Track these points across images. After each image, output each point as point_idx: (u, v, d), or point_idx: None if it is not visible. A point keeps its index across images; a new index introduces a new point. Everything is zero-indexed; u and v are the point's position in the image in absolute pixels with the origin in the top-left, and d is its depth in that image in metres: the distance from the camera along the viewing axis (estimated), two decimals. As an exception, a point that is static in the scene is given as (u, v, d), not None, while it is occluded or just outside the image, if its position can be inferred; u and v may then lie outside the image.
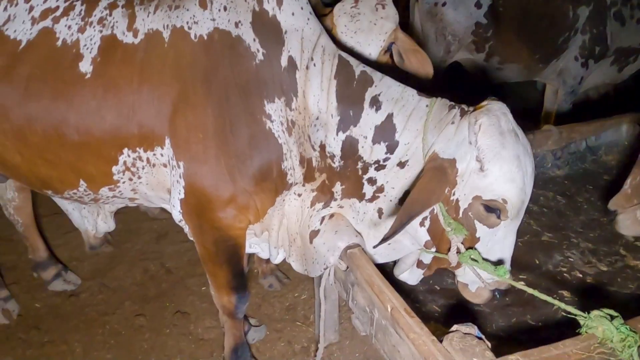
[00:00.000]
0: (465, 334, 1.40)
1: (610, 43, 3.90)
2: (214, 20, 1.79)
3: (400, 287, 2.06)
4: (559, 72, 4.00)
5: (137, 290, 2.98)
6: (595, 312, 1.43)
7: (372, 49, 2.27)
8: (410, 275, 1.98)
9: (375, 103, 1.74)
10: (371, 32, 2.25)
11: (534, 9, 3.75)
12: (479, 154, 1.57)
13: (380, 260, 1.97)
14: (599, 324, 1.39)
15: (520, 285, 1.54)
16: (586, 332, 1.40)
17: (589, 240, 2.34)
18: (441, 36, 3.76)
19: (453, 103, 1.73)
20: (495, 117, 1.57)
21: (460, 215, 1.64)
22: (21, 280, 3.03)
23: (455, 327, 1.42)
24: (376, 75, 1.79)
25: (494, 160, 1.55)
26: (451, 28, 3.72)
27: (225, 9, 1.79)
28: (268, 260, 2.92)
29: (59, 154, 1.90)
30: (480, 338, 1.39)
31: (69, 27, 1.86)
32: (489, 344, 1.37)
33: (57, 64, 1.84)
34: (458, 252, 1.64)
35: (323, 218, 1.93)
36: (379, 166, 1.78)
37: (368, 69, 1.81)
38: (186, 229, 2.05)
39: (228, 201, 1.85)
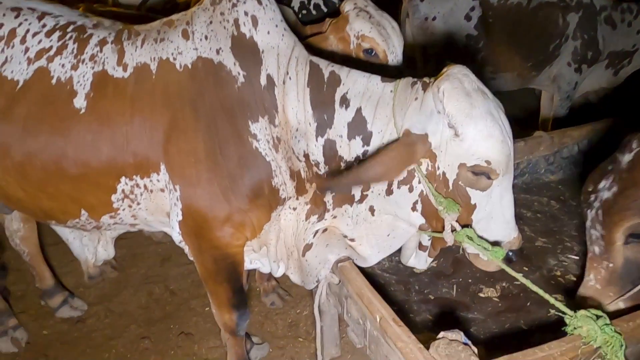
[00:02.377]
0: (452, 340, 1.42)
1: (602, 47, 3.93)
2: (196, 49, 1.86)
3: (393, 299, 2.09)
4: (552, 78, 4.03)
5: (142, 313, 3.02)
6: (582, 312, 1.44)
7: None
8: (417, 260, 1.99)
9: (344, 101, 1.78)
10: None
11: (523, 19, 3.80)
12: (450, 120, 1.56)
13: (386, 253, 1.98)
14: (584, 324, 1.40)
15: (516, 273, 1.57)
16: (572, 332, 1.42)
17: (583, 244, 2.31)
18: (432, 50, 3.82)
19: (416, 79, 1.72)
20: (456, 79, 1.58)
21: (451, 187, 1.64)
22: (29, 308, 3.08)
23: (441, 334, 1.44)
24: (343, 72, 1.82)
25: (467, 121, 1.54)
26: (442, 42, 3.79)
27: (206, 37, 1.87)
28: (269, 278, 2.97)
29: (59, 186, 1.97)
30: (466, 344, 1.41)
31: (63, 65, 1.94)
32: (475, 350, 1.39)
33: (53, 102, 1.91)
34: (453, 230, 1.64)
35: (316, 232, 1.97)
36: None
37: (336, 67, 1.84)
38: (186, 249, 2.10)
39: (224, 220, 1.90)
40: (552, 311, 1.51)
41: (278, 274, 2.18)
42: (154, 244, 3.62)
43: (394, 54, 2.41)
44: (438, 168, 1.64)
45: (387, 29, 2.39)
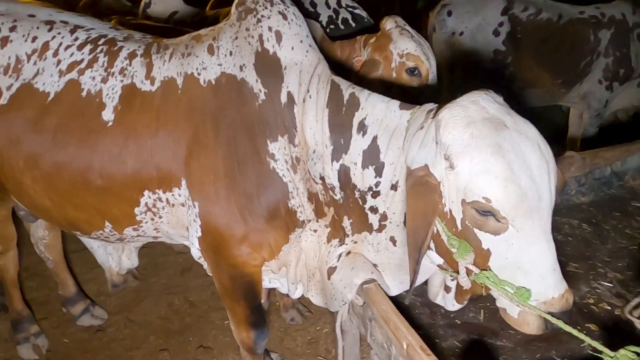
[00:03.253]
0: (483, 372, 1.37)
1: (635, 64, 3.84)
2: (220, 65, 1.85)
3: (418, 322, 2.03)
4: (582, 95, 3.95)
5: (161, 324, 3.01)
6: (622, 352, 1.35)
7: None
8: (445, 301, 1.83)
9: (362, 128, 1.70)
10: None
11: (553, 35, 3.74)
12: (446, 151, 1.41)
13: (407, 287, 1.87)
14: (625, 364, 1.32)
15: (543, 313, 1.40)
16: (611, 372, 1.34)
17: (617, 270, 2.25)
18: (459, 65, 3.78)
19: (434, 106, 1.57)
20: (459, 107, 1.42)
21: (459, 227, 1.46)
22: (51, 315, 3.11)
23: (472, 365, 1.39)
24: (363, 95, 1.74)
25: (463, 153, 1.37)
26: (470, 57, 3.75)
27: (231, 53, 1.85)
28: (290, 294, 2.94)
29: (85, 198, 1.99)
30: (498, 377, 1.35)
31: (93, 78, 1.95)
32: (508, 383, 1.33)
33: (82, 114, 1.93)
34: (469, 273, 1.48)
35: (340, 255, 1.92)
36: (374, 193, 1.71)
37: (357, 90, 1.76)
38: (205, 265, 2.09)
39: (241, 239, 1.88)
40: (589, 350, 1.42)
41: (296, 295, 2.13)
42: (174, 253, 3.64)
43: (433, 74, 2.39)
44: (445, 205, 1.48)
45: (425, 47, 2.37)
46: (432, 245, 1.58)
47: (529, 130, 1.41)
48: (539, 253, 1.40)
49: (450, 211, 1.47)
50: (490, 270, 1.45)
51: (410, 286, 1.53)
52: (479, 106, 1.42)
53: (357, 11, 3.17)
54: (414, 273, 1.47)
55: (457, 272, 1.52)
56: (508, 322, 1.55)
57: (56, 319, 3.07)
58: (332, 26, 3.02)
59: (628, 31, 3.78)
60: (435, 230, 1.53)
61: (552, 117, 4.86)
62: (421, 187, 1.47)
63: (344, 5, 3.15)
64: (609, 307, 2.05)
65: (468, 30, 3.76)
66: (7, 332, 2.93)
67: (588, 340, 1.36)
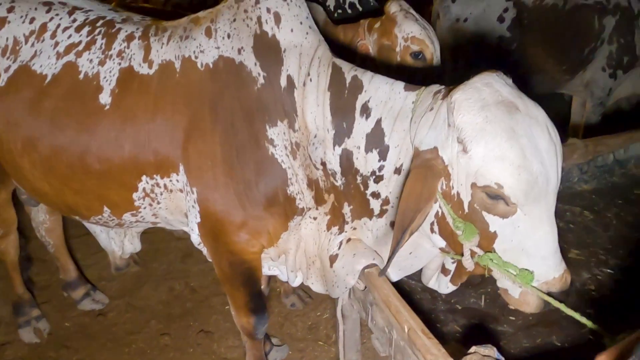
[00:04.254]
0: (484, 356, 1.36)
1: (639, 53, 3.80)
2: (218, 48, 1.82)
3: (419, 307, 2.03)
4: (586, 83, 3.92)
5: (162, 309, 3.03)
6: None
7: None
8: (438, 283, 1.83)
9: (366, 110, 1.66)
10: None
11: (558, 21, 3.70)
12: (459, 134, 1.38)
13: (406, 272, 1.88)
14: (625, 348, 1.32)
15: (546, 297, 1.43)
16: (611, 355, 1.34)
17: (619, 257, 2.25)
18: (463, 52, 3.74)
19: (440, 87, 1.55)
20: (473, 89, 1.39)
21: (466, 209, 1.44)
22: (53, 299, 3.13)
23: (473, 348, 1.38)
24: (366, 78, 1.69)
25: (478, 138, 1.35)
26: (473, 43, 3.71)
27: (228, 36, 1.82)
28: (290, 279, 2.94)
29: (83, 182, 1.98)
30: (499, 360, 1.35)
31: (91, 60, 1.93)
32: (509, 367, 1.33)
33: (80, 97, 1.91)
34: (473, 255, 1.48)
35: (340, 243, 1.90)
36: (377, 177, 1.68)
37: (359, 72, 1.72)
38: (204, 251, 2.08)
39: (240, 226, 1.87)
40: (587, 328, 1.43)
41: (295, 283, 2.12)
42: (175, 239, 3.64)
43: (437, 58, 2.36)
44: (452, 187, 1.45)
45: (430, 31, 2.35)
46: (435, 227, 1.57)
47: (539, 114, 1.40)
48: (543, 235, 1.42)
49: (458, 194, 1.45)
50: (494, 251, 1.46)
51: (387, 263, 1.50)
52: (493, 89, 1.40)
53: (364, -6, 3.18)
54: (393, 253, 1.44)
55: (460, 255, 1.52)
56: (508, 302, 1.58)
57: (57, 303, 3.09)
58: (339, 10, 3.00)
59: (633, 19, 3.74)
60: (439, 213, 1.52)
61: (555, 105, 4.83)
62: (425, 170, 1.44)
63: None
64: (609, 294, 2.05)
65: (472, 17, 3.72)
66: (8, 315, 2.94)
67: (589, 323, 1.36)
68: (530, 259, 1.43)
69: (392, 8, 2.42)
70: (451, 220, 1.48)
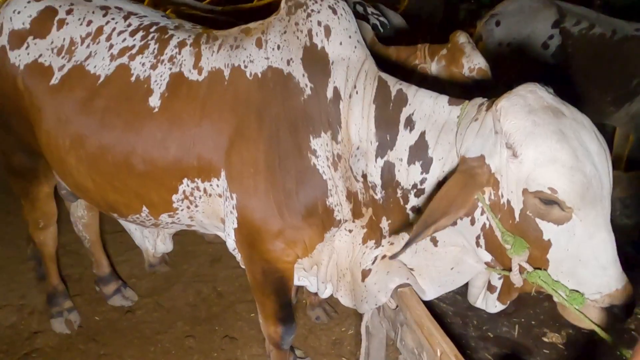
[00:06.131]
0: (518, 387, 1.33)
1: (688, 87, 3.69)
2: (267, 58, 1.86)
3: (450, 332, 1.99)
4: (632, 116, 3.81)
5: (189, 311, 3.06)
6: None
7: None
8: (486, 302, 1.77)
9: (409, 123, 1.67)
10: None
11: (605, 51, 3.64)
12: (507, 139, 1.36)
13: (447, 289, 1.85)
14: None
15: (600, 331, 1.36)
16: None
17: (660, 297, 2.17)
18: (504, 76, 3.70)
19: (484, 100, 1.55)
20: (518, 96, 1.39)
21: (518, 219, 1.40)
22: (85, 292, 3.20)
23: (506, 379, 1.36)
24: (410, 91, 1.72)
25: (527, 141, 1.33)
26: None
27: (278, 47, 1.86)
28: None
29: (126, 181, 2.03)
30: (533, 394, 1.31)
31: (143, 64, 2.00)
32: (544, 401, 1.29)
33: (130, 98, 1.97)
34: (522, 271, 1.43)
35: (375, 258, 1.89)
36: (418, 190, 1.67)
37: (404, 86, 1.75)
38: (238, 257, 2.10)
39: (276, 235, 1.88)
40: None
41: (325, 295, 2.12)
42: (205, 243, 3.69)
43: None
44: (502, 196, 1.42)
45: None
46: (481, 241, 1.54)
47: (584, 119, 1.39)
48: (601, 243, 1.36)
49: (509, 202, 1.41)
50: (548, 262, 1.41)
51: (399, 251, 1.45)
52: (537, 95, 1.39)
53: (381, 19, 3.39)
54: (406, 245, 1.41)
55: (508, 270, 1.48)
56: (566, 318, 1.51)
57: (89, 297, 3.16)
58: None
59: (684, 52, 3.64)
60: (487, 226, 1.49)
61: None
62: (466, 177, 1.43)
63: (369, 12, 3.36)
64: (649, 334, 1.98)
65: (516, 42, 3.69)
66: (42, 305, 3.03)
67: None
68: (589, 269, 1.37)
69: (461, 39, 2.52)
70: (499, 233, 1.44)
